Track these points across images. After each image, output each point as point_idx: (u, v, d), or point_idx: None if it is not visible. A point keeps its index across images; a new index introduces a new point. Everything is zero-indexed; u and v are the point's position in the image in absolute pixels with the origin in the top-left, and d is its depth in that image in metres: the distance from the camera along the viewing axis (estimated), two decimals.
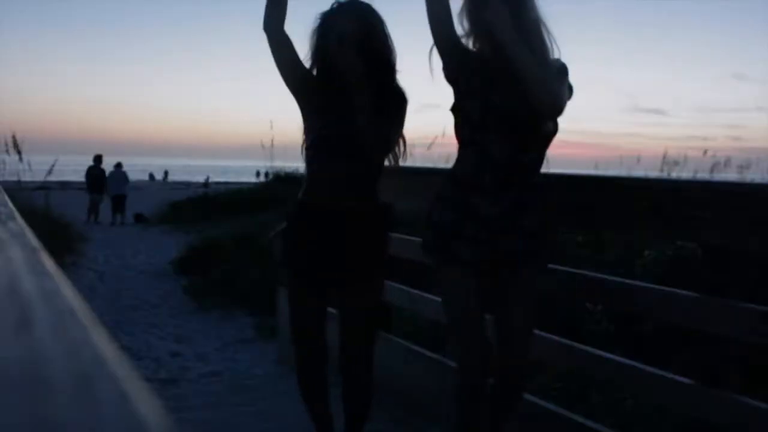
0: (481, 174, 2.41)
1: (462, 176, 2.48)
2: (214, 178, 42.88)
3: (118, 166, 18.54)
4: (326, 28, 2.50)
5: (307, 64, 2.56)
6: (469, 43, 2.49)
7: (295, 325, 2.77)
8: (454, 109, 2.50)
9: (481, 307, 2.51)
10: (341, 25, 2.47)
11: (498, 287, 2.52)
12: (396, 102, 2.60)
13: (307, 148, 2.60)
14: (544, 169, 2.54)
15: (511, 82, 2.36)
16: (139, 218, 17.35)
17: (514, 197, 2.41)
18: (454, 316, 2.54)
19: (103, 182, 17.73)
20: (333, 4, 2.54)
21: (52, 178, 13.03)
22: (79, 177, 21.18)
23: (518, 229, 2.42)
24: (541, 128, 2.43)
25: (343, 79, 2.50)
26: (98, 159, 18.28)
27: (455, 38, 2.48)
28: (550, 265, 2.72)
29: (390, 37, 2.56)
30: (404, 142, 2.64)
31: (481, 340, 2.52)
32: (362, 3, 2.54)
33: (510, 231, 2.41)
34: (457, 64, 2.47)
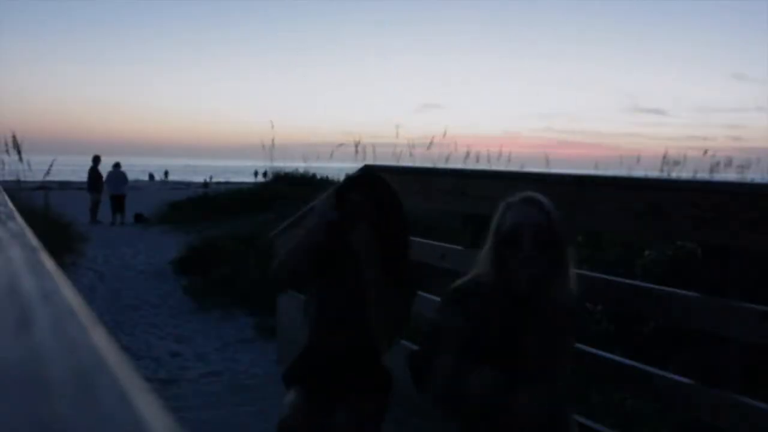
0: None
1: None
2: (215, 178, 42.88)
3: (117, 166, 18.57)
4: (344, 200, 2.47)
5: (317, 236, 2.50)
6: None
7: None
8: None
9: None
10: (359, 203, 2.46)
11: None
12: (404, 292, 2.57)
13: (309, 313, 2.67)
14: (544, 169, 2.54)
15: None
16: (138, 218, 17.37)
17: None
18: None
19: (99, 182, 17.82)
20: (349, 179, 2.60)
21: (52, 178, 13.03)
22: (79, 177, 21.19)
23: None
24: None
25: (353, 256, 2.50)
26: (96, 159, 18.35)
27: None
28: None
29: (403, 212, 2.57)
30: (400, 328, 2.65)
31: None
32: (376, 176, 2.59)
33: None
34: None
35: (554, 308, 2.26)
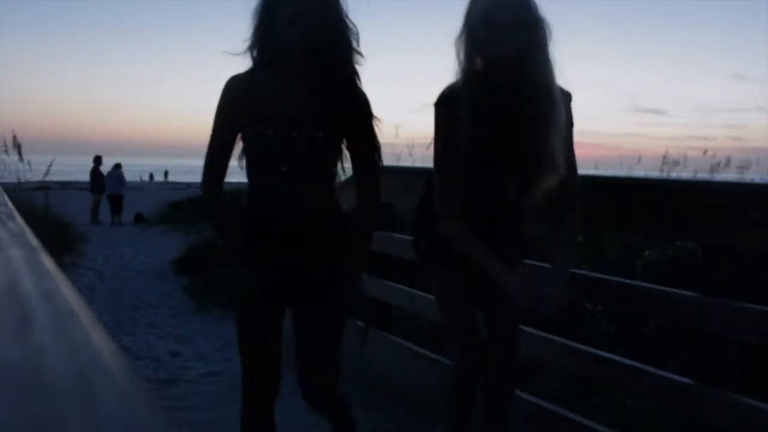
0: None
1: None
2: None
3: (117, 166, 18.59)
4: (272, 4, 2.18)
5: (246, 44, 2.23)
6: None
7: (248, 358, 2.38)
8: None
9: (470, 304, 2.56)
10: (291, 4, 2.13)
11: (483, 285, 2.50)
12: (352, 109, 2.25)
13: (239, 158, 2.30)
14: None
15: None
16: (138, 218, 17.37)
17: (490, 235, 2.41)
18: (446, 314, 2.62)
19: (101, 182, 17.87)
20: None
21: (53, 178, 13.03)
22: (79, 177, 21.21)
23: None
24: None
25: (286, 65, 2.21)
26: (98, 160, 18.40)
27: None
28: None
29: (347, 16, 2.21)
30: (375, 149, 2.30)
31: (475, 334, 2.58)
32: None
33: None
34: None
35: (539, 94, 2.23)
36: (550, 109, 2.24)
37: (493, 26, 2.18)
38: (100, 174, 18.19)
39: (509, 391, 2.65)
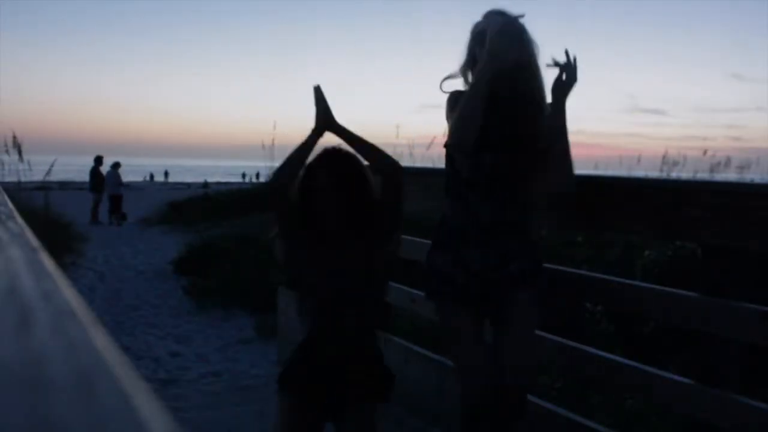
0: (469, 228, 2.53)
1: (453, 226, 2.58)
2: (214, 179, 42.81)
3: (114, 166, 18.54)
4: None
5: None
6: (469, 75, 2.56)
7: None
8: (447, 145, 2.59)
9: (481, 339, 2.60)
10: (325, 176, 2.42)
11: (497, 309, 2.57)
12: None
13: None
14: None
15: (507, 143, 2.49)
16: (122, 216, 17.18)
17: (500, 248, 2.51)
18: (456, 353, 2.65)
19: (101, 182, 17.87)
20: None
21: (53, 178, 13.02)
22: (79, 177, 21.19)
23: (506, 274, 2.52)
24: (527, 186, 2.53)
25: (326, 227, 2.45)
26: (98, 160, 18.40)
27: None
28: (551, 265, 2.72)
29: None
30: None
31: (485, 367, 2.56)
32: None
33: (499, 279, 2.52)
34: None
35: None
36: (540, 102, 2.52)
37: (509, 37, 2.43)
38: (101, 174, 18.18)
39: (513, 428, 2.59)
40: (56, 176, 14.57)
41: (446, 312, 2.60)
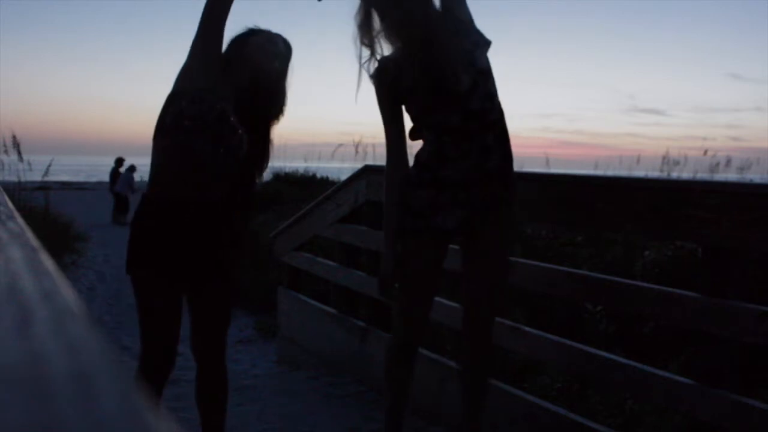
0: (443, 143, 2.47)
1: (426, 157, 2.52)
2: None
3: (130, 170, 18.65)
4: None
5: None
6: (380, 43, 2.51)
7: (148, 324, 2.73)
8: (413, 130, 2.58)
9: (437, 283, 2.62)
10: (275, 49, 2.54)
11: (473, 240, 2.56)
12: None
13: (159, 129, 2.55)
14: (544, 169, 2.56)
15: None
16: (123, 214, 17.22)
17: (478, 142, 2.46)
18: (408, 278, 2.58)
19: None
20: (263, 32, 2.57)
21: (53, 178, 13.01)
22: (79, 177, 21.20)
23: (486, 173, 2.47)
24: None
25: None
26: (119, 161, 18.71)
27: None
28: (551, 264, 2.72)
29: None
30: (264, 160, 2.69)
31: (425, 313, 2.61)
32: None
33: (481, 178, 2.47)
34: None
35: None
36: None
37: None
38: (119, 174, 18.35)
39: (487, 384, 2.69)
40: (56, 176, 14.57)
41: (416, 244, 2.55)
